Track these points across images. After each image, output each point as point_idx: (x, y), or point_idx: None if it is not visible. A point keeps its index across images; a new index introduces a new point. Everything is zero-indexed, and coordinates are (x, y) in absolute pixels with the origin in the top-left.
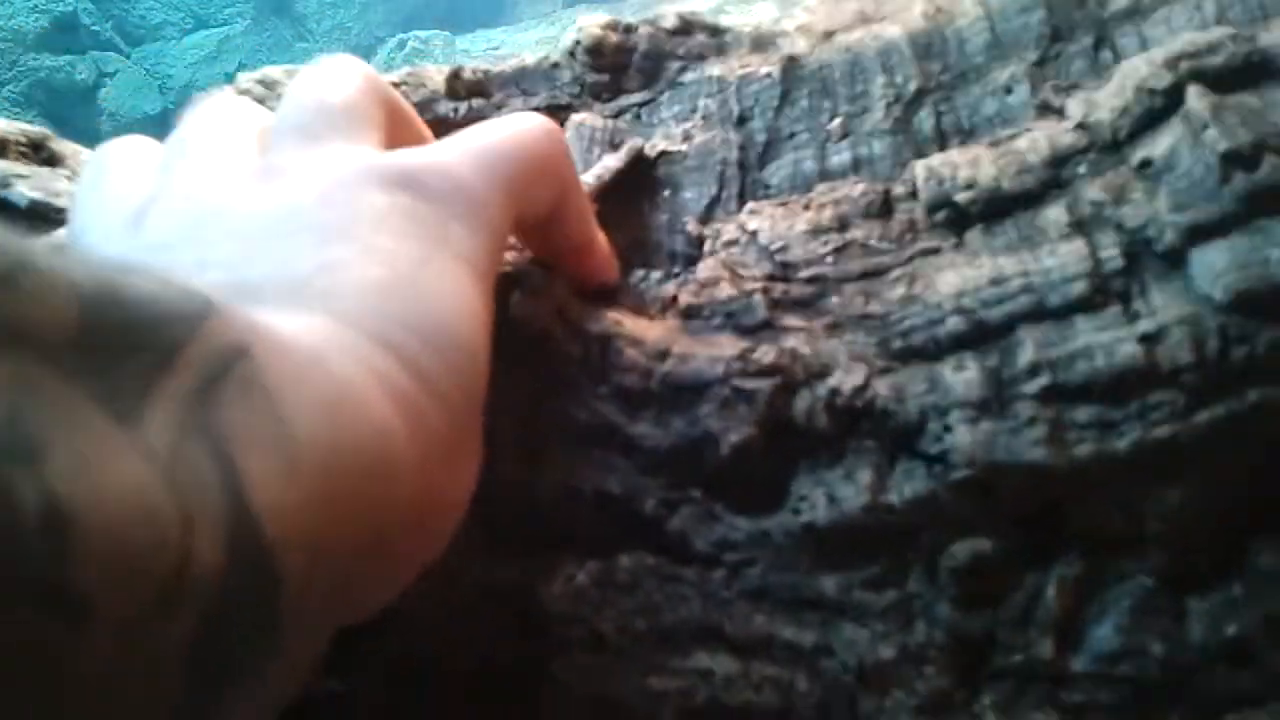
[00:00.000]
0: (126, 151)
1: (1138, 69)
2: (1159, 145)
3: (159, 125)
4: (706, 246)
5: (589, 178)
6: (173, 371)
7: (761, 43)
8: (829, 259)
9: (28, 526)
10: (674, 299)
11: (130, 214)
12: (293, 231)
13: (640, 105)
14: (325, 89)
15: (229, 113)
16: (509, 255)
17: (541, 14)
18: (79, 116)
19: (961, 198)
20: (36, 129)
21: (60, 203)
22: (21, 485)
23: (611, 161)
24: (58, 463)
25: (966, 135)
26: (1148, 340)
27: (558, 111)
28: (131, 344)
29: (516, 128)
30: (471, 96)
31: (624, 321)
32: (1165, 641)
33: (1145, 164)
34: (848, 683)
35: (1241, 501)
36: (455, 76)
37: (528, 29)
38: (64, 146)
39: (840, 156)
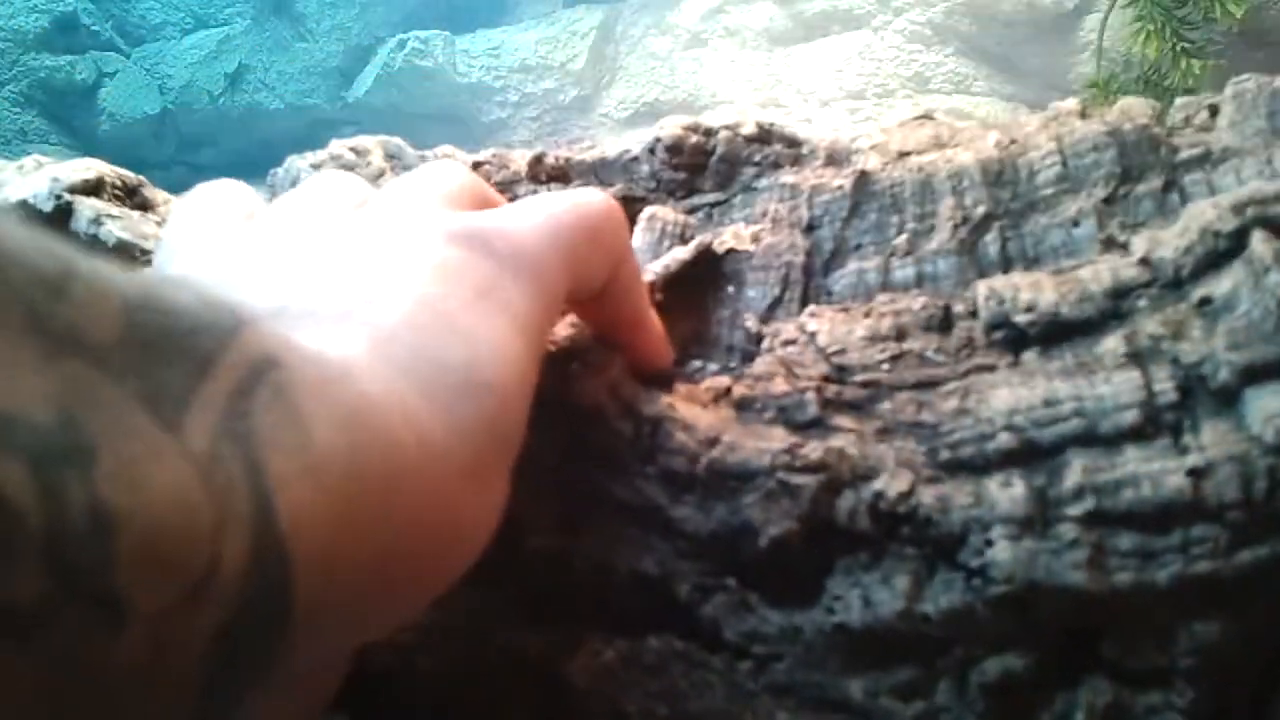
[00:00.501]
0: (216, 196)
1: (1204, 212)
2: (1221, 285)
3: (159, 125)
4: (765, 344)
5: (656, 266)
6: (212, 377)
7: (836, 157)
8: (884, 366)
9: (77, 531)
10: (728, 390)
11: (209, 247)
12: (356, 264)
13: (713, 205)
14: (432, 173)
15: (333, 181)
16: (572, 332)
17: (541, 14)
18: (79, 116)
19: (1021, 319)
20: (132, 175)
21: (147, 245)
22: (73, 488)
23: (680, 253)
24: (107, 466)
25: (1031, 262)
26: (1195, 474)
27: (633, 203)
28: (172, 350)
29: (578, 200)
30: (551, 181)
31: (677, 405)
32: None
33: (1205, 302)
34: None
35: (1278, 645)
36: (538, 162)
37: (528, 29)
38: (155, 194)
39: (904, 271)
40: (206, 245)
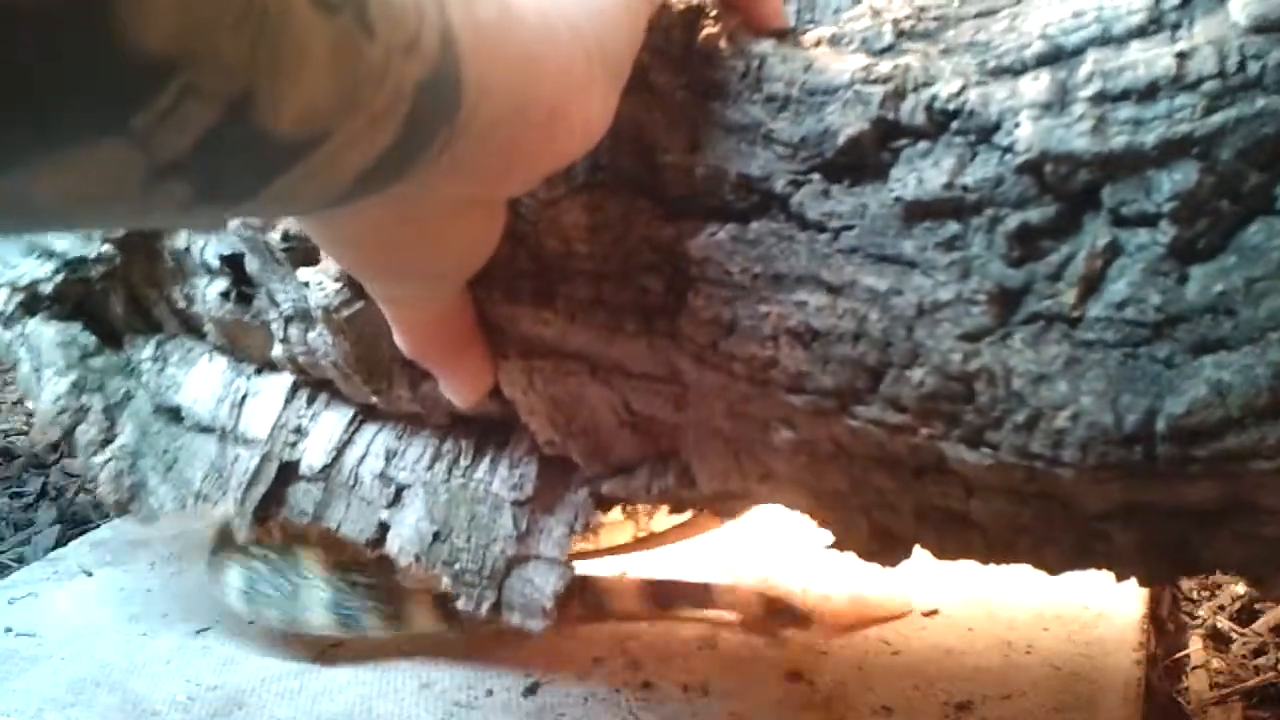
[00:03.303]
0: None
1: None
2: None
3: None
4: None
5: None
6: None
7: None
8: (955, 3)
9: None
10: (828, 36)
11: None
12: None
13: None
14: None
15: None
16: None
17: None
18: None
19: None
20: None
21: None
22: None
23: None
24: None
25: None
26: (1181, 55)
27: None
28: None
29: None
30: None
31: (782, 45)
32: (1164, 295)
33: None
34: (909, 316)
35: (1242, 190)
36: None
37: None
38: None
39: None
40: None
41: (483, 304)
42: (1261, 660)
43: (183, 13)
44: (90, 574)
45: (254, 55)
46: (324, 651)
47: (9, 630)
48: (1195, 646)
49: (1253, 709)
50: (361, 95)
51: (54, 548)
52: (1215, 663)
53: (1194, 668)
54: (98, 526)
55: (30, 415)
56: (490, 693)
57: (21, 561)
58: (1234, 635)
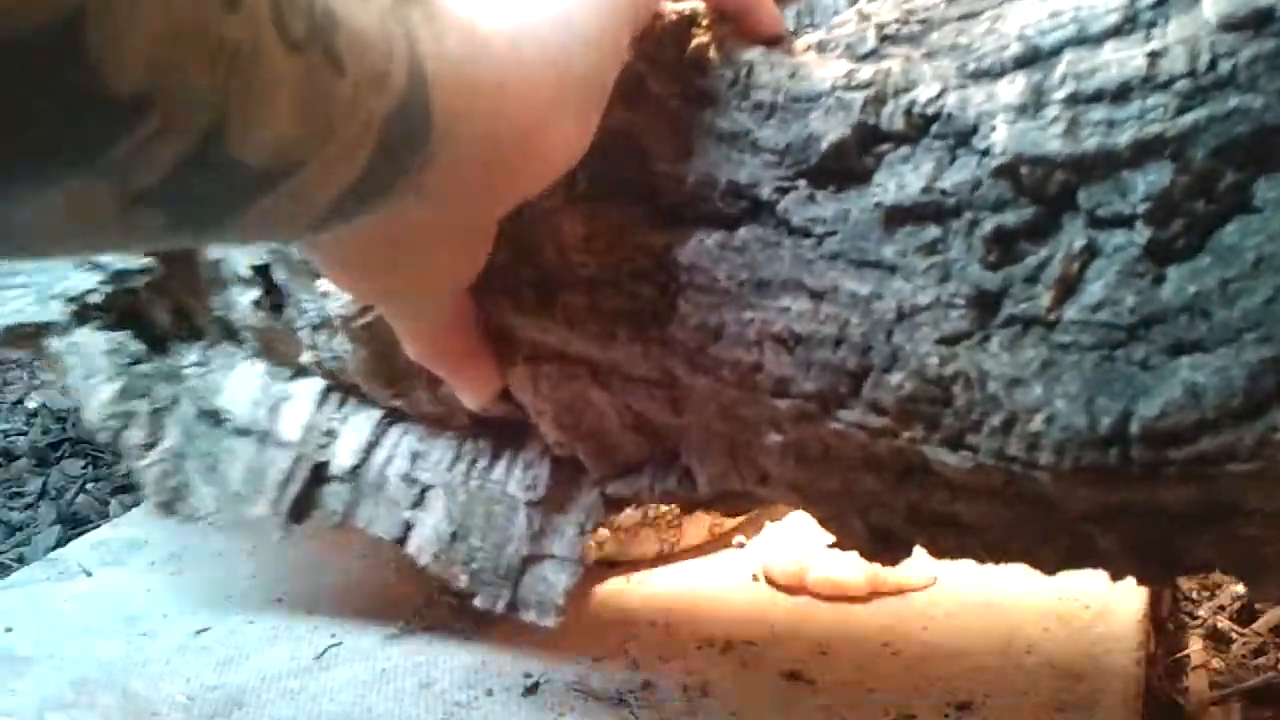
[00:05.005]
0: None
1: None
2: None
3: None
4: (859, 4)
5: None
6: None
7: None
8: (940, 6)
9: (320, 22)
10: (817, 42)
11: None
12: None
13: None
14: None
15: None
16: (695, 3)
17: None
18: None
19: None
20: None
21: None
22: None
23: None
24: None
25: None
26: (1153, 55)
27: None
28: None
29: None
30: None
31: (770, 53)
32: (1140, 297)
33: None
34: (889, 320)
35: (1216, 190)
36: None
37: None
38: None
39: None
40: None
41: (489, 312)
42: (1261, 660)
43: (157, 52)
44: (90, 574)
45: (226, 92)
46: (324, 651)
47: (9, 630)
48: (1195, 646)
49: (1253, 709)
50: (331, 128)
51: (54, 548)
52: (1215, 663)
53: (1194, 668)
54: (98, 526)
55: (31, 415)
56: (490, 693)
57: (21, 561)
58: (1234, 635)
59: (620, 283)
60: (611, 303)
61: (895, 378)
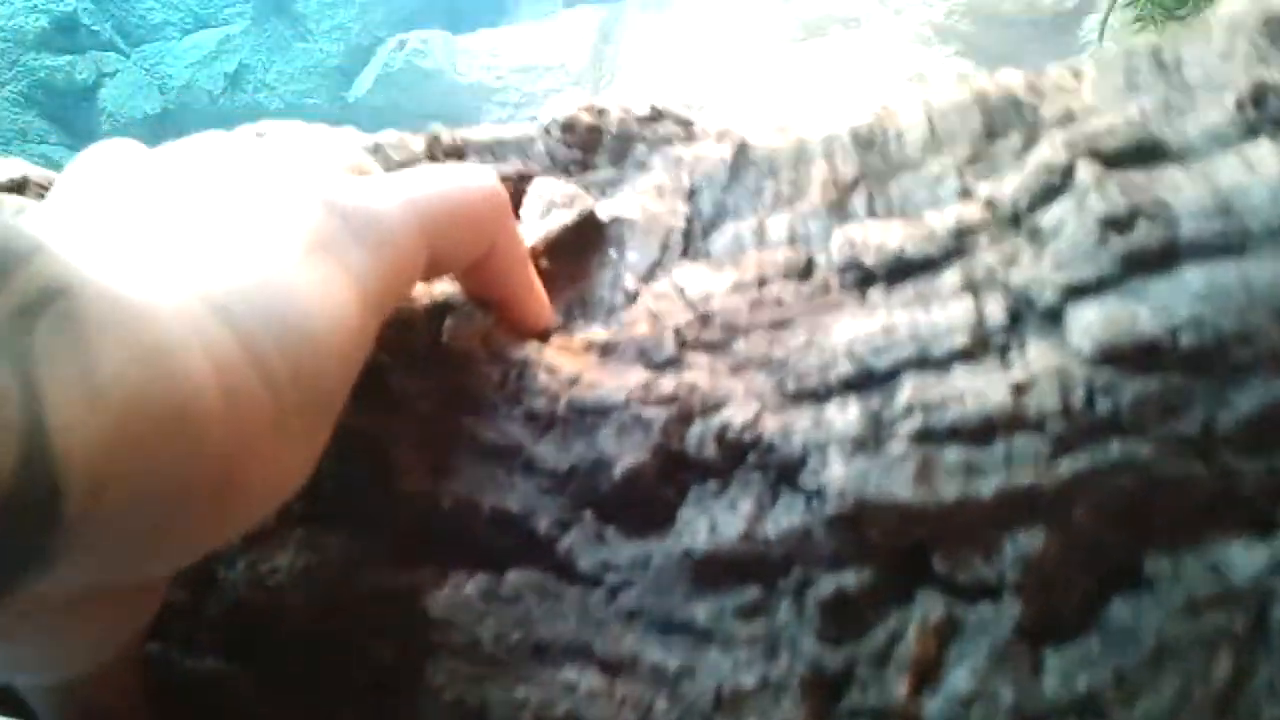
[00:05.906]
0: (107, 152)
1: (1042, 151)
2: (1050, 214)
3: (159, 125)
4: (640, 300)
5: (540, 231)
6: None
7: (724, 135)
8: (744, 310)
9: None
10: (600, 341)
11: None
12: (216, 209)
13: (606, 183)
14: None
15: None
16: (450, 288)
17: (541, 14)
18: (79, 116)
19: (869, 260)
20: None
21: None
22: None
23: (562, 216)
24: None
25: (896, 217)
26: (1017, 389)
27: (527, 182)
28: None
29: (456, 182)
30: (449, 159)
31: (545, 351)
32: (1018, 689)
33: (1036, 231)
34: (705, 707)
35: (1101, 556)
36: (435, 140)
37: (528, 29)
38: None
39: (778, 231)
40: (83, 187)
41: (164, 670)
42: None
43: None
44: None
45: None
46: None
47: None
48: None
49: None
50: None
51: None
52: None
53: None
54: None
55: None
56: None
57: None
58: None
59: (348, 639)
60: (336, 667)
61: None
